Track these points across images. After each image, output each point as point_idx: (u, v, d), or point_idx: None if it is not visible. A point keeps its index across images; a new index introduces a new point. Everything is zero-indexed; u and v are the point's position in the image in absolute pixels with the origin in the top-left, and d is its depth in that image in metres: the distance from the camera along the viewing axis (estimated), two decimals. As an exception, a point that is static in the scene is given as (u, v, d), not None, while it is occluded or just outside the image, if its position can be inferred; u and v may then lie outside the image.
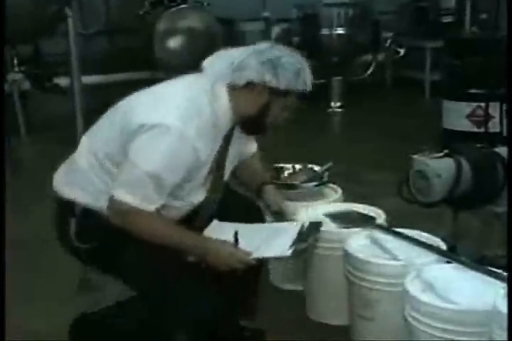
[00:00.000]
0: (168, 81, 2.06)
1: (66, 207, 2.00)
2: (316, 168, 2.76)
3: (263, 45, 1.98)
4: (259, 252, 1.89)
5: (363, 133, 4.97)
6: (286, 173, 2.73)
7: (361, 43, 5.71)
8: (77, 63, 4.44)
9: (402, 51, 5.96)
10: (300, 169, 2.75)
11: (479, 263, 2.01)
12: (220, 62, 1.95)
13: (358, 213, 2.42)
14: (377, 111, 5.53)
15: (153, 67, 5.25)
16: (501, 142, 2.89)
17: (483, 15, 4.57)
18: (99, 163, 1.96)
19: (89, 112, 4.88)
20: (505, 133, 3.58)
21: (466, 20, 4.37)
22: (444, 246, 2.12)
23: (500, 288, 1.73)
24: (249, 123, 2.01)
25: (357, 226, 2.29)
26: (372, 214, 2.41)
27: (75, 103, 4.61)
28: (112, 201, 1.88)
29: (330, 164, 2.76)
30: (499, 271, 1.86)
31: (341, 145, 4.91)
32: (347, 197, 2.68)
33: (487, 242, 2.50)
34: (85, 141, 2.05)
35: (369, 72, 5.90)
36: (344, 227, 2.32)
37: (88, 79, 5.00)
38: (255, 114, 1.96)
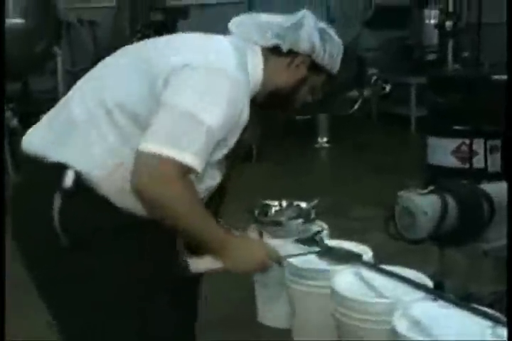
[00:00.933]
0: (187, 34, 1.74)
1: (49, 176, 1.53)
2: (303, 204, 2.76)
3: (309, 14, 1.75)
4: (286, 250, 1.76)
5: (350, 169, 5.01)
6: (273, 210, 2.73)
7: (347, 79, 5.79)
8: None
9: (387, 87, 6.04)
10: (287, 206, 2.75)
11: (466, 300, 2.01)
12: (251, 24, 1.70)
13: (345, 250, 2.42)
14: (363, 147, 5.58)
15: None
16: (486, 178, 2.93)
17: (465, 53, 4.66)
18: (106, 112, 1.54)
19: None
20: (489, 169, 3.61)
21: (448, 57, 4.45)
22: (430, 284, 2.12)
23: (487, 326, 1.73)
24: (277, 99, 1.72)
25: (343, 264, 2.28)
26: (358, 250, 2.41)
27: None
28: (146, 159, 1.45)
29: (316, 201, 2.77)
30: (486, 309, 1.86)
31: (329, 181, 4.94)
32: (334, 233, 2.68)
33: (474, 279, 2.50)
34: (84, 88, 1.64)
35: (355, 107, 5.97)
36: (330, 264, 2.32)
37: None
38: (289, 88, 1.71)
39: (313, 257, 2.39)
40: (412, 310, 1.89)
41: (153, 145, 1.46)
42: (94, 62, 1.75)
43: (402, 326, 1.83)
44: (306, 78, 1.71)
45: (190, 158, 1.47)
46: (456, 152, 3.85)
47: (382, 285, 2.10)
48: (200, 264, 1.69)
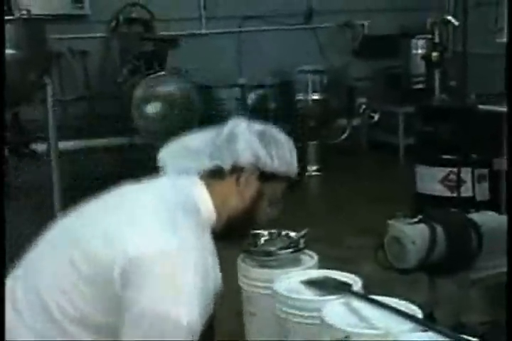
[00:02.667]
0: (121, 192, 1.54)
1: None
2: (292, 234, 2.76)
3: (239, 122, 1.54)
4: None
5: (340, 197, 5.02)
6: (262, 240, 2.73)
7: (336, 108, 5.84)
8: (55, 129, 4.47)
9: (376, 116, 6.10)
10: (276, 235, 2.75)
11: (456, 330, 2.01)
12: (182, 152, 1.52)
13: (334, 280, 2.42)
14: (353, 175, 5.60)
15: (131, 133, 5.31)
16: (474, 206, 2.95)
17: (453, 83, 4.73)
18: (49, 319, 1.36)
19: (68, 178, 4.89)
20: (477, 198, 3.64)
21: (435, 87, 4.51)
22: (420, 314, 2.11)
23: (477, 357, 1.72)
24: (235, 226, 1.52)
25: (333, 294, 2.28)
26: (348, 280, 2.40)
27: (51, 169, 4.61)
28: None
29: (306, 230, 2.77)
30: (476, 339, 1.85)
31: (319, 210, 4.94)
32: (324, 262, 2.68)
33: (464, 309, 2.50)
34: (16, 288, 1.43)
35: (344, 136, 6.01)
36: (320, 295, 2.31)
37: (66, 145, 5.02)
38: (246, 209, 1.51)
39: (302, 287, 2.38)
40: (402, 341, 1.88)
41: None
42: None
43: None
44: (261, 191, 1.50)
45: None
46: (444, 180, 3.88)
47: (372, 316, 2.10)
48: None
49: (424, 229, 2.43)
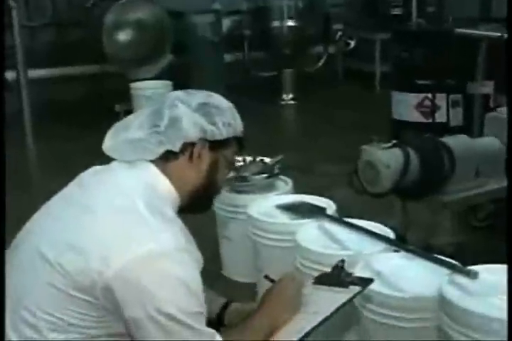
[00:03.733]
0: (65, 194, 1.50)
1: None
2: (267, 160, 2.76)
3: (171, 94, 1.53)
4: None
5: (315, 125, 5.00)
6: (237, 166, 2.73)
7: (312, 35, 5.74)
8: (23, 56, 4.35)
9: (352, 43, 6.01)
10: (251, 161, 2.75)
11: (427, 251, 2.05)
12: (126, 144, 1.48)
13: (308, 204, 2.44)
14: (329, 103, 5.57)
15: (102, 61, 5.19)
16: (448, 132, 2.96)
17: (430, 8, 4.65)
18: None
19: (38, 108, 4.81)
20: (451, 123, 3.65)
21: (413, 12, 4.43)
22: (392, 235, 2.15)
23: (446, 275, 1.77)
24: (199, 199, 1.53)
25: (307, 218, 2.30)
26: (322, 205, 2.43)
27: (21, 98, 4.52)
28: None
29: (281, 156, 2.77)
30: (446, 258, 1.90)
31: (294, 137, 4.94)
32: (299, 189, 2.69)
33: (435, 231, 2.55)
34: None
35: (320, 64, 5.93)
36: (294, 219, 2.33)
37: (35, 73, 4.90)
38: (204, 182, 1.51)
39: (276, 211, 2.40)
40: (374, 262, 1.92)
41: None
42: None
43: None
44: (215, 160, 1.51)
45: None
46: (419, 106, 3.87)
47: (345, 238, 2.13)
48: None
49: (398, 153, 2.43)
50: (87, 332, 1.37)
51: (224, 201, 2.62)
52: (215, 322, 1.64)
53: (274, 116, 5.49)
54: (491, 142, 2.68)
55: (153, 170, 1.47)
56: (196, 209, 1.58)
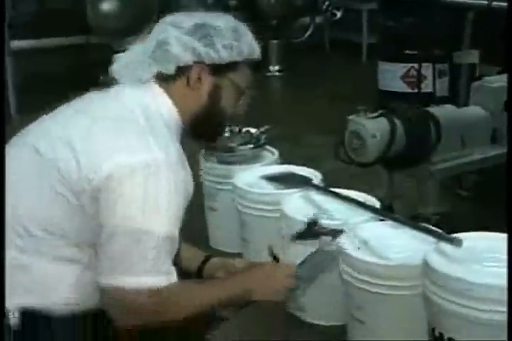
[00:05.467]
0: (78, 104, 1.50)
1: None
2: (253, 130, 2.75)
3: (165, 18, 1.49)
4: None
5: (301, 96, 4.98)
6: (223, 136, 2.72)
7: (299, 6, 5.68)
8: (5, 27, 4.27)
9: (338, 13, 5.96)
10: (237, 132, 2.74)
11: (413, 220, 2.06)
12: (128, 65, 1.48)
13: (295, 174, 2.44)
14: (316, 74, 5.54)
15: (86, 32, 5.11)
16: (434, 102, 2.95)
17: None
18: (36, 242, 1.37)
19: (21, 80, 4.74)
20: (437, 93, 3.65)
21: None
22: (378, 205, 2.16)
23: (432, 243, 1.78)
24: (203, 125, 1.49)
25: (293, 188, 2.30)
26: (308, 175, 2.43)
27: (4, 69, 4.45)
28: (112, 292, 1.32)
29: (267, 127, 2.76)
30: (432, 227, 1.91)
31: (280, 108, 4.91)
32: (285, 160, 2.69)
33: (421, 201, 2.56)
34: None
35: (307, 34, 5.88)
36: (280, 189, 2.33)
37: (19, 44, 4.82)
38: (207, 108, 1.46)
39: (263, 182, 2.40)
40: (360, 231, 1.93)
41: (111, 277, 1.32)
42: None
43: (349, 246, 1.86)
44: (218, 85, 1.45)
45: (154, 280, 1.32)
46: (405, 76, 3.87)
47: (331, 208, 2.13)
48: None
49: (384, 122, 2.43)
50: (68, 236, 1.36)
51: (210, 172, 2.61)
52: (196, 276, 1.63)
53: (261, 87, 5.46)
54: (476, 111, 2.68)
55: (156, 90, 1.44)
56: (203, 136, 1.55)
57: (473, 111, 2.68)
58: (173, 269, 1.37)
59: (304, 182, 2.34)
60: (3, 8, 3.84)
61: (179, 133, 1.47)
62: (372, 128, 2.41)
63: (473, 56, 3.27)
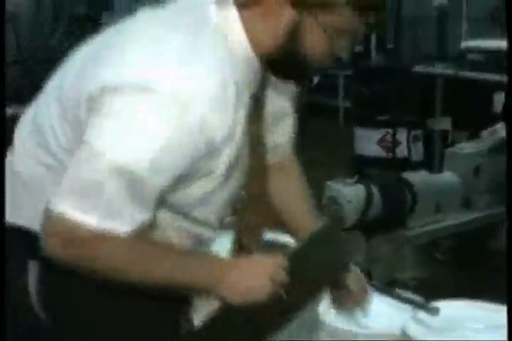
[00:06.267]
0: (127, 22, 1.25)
1: (18, 242, 1.24)
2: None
3: None
4: None
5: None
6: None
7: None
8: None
9: (315, 78, 6.10)
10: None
11: (391, 286, 2.06)
12: None
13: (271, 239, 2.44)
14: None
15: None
16: (409, 167, 3.02)
17: (389, 45, 4.77)
18: (53, 160, 1.21)
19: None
20: (412, 158, 3.73)
21: (372, 50, 4.55)
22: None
23: (410, 311, 1.78)
24: (280, 64, 1.23)
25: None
26: (282, 240, 2.43)
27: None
28: (52, 219, 1.13)
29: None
30: (409, 294, 1.91)
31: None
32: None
33: (398, 265, 2.58)
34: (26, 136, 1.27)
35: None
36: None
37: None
38: (285, 44, 1.19)
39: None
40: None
41: (60, 202, 1.12)
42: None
43: (327, 314, 1.85)
44: (299, 21, 1.16)
45: (100, 218, 1.11)
46: (381, 142, 3.95)
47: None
48: (203, 311, 1.30)
49: (360, 189, 2.47)
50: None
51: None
52: None
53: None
54: (449, 177, 2.74)
55: (234, 13, 1.18)
56: (285, 75, 1.27)
57: (447, 177, 2.75)
58: (133, 216, 1.12)
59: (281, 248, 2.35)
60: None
61: (250, 65, 1.22)
62: (349, 194, 2.45)
63: (445, 122, 3.37)
